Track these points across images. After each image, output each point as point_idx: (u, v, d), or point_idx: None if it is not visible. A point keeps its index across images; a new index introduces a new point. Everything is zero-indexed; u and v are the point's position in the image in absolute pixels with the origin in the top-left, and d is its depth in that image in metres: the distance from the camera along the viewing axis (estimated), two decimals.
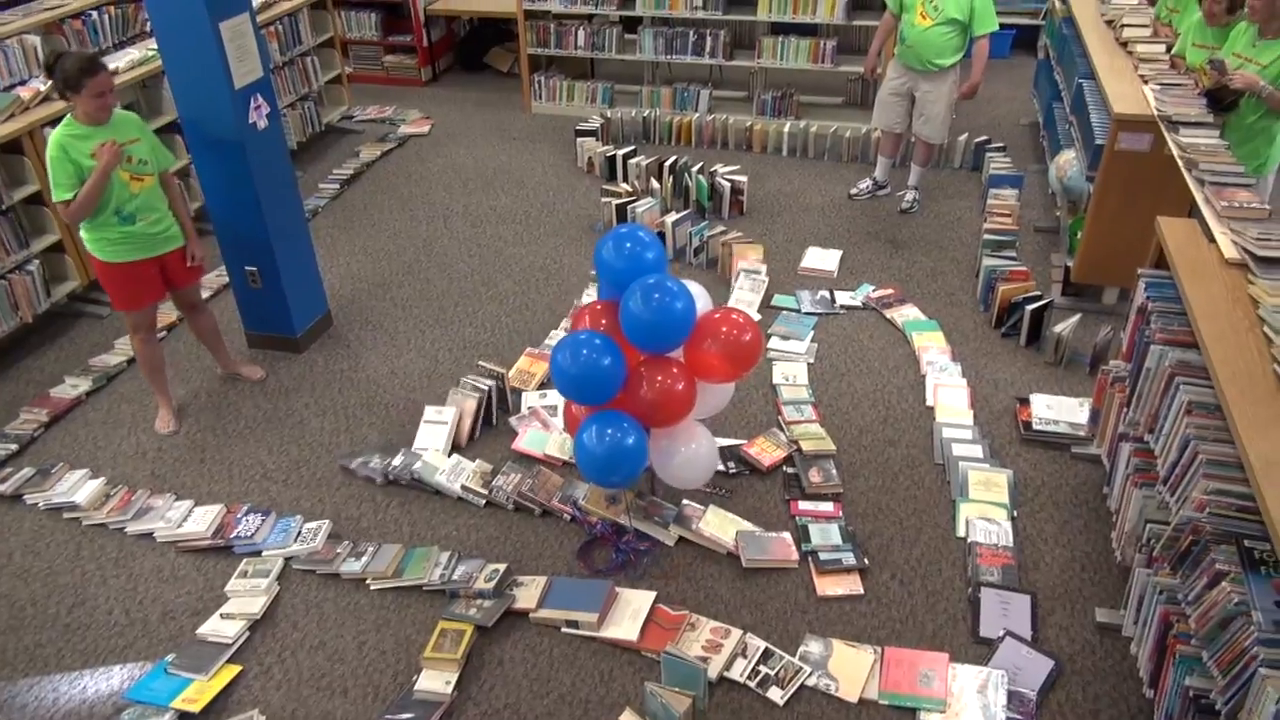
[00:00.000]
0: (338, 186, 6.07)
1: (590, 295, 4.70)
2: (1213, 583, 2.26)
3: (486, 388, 3.95)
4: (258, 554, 3.39)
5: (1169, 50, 4.67)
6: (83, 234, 3.63)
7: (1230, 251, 2.94)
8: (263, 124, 4.01)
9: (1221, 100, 3.94)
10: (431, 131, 6.92)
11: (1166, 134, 3.79)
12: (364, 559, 3.32)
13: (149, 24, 3.89)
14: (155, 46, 4.34)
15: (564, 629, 3.07)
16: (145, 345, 3.92)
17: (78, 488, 3.66)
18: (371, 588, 3.26)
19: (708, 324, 3.17)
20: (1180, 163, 3.54)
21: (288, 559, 3.37)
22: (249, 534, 3.44)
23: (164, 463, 3.86)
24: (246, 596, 3.22)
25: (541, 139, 6.75)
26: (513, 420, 3.98)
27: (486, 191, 6.03)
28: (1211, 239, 3.05)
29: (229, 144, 3.94)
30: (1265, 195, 4.11)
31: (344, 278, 5.11)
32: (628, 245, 3.17)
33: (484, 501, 3.58)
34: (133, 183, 3.57)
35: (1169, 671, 2.44)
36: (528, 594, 3.16)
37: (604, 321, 3.21)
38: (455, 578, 3.23)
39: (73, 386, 4.26)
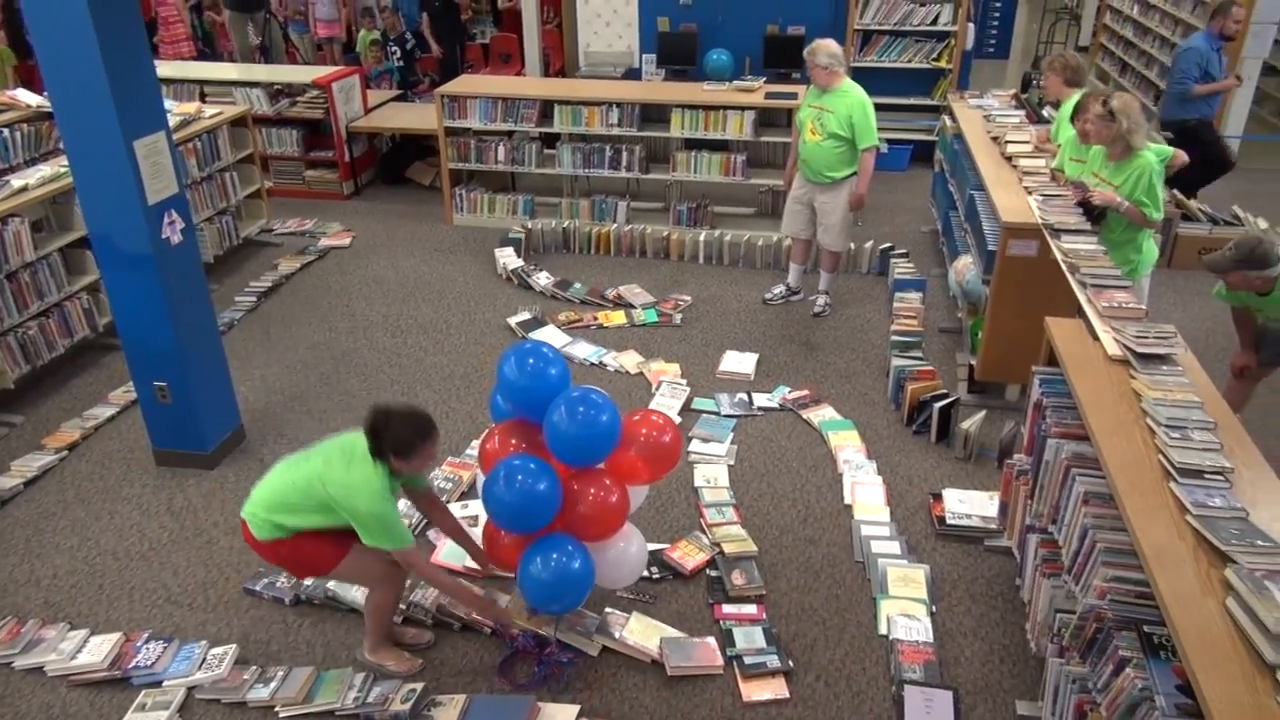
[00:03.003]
0: (254, 299, 6.02)
1: None
2: (1118, 670, 2.32)
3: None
4: (158, 684, 3.20)
5: (1053, 157, 5.04)
6: (266, 524, 3.02)
7: (1113, 349, 3.12)
8: (176, 239, 3.99)
9: (1090, 213, 4.25)
10: (353, 244, 6.96)
11: (1050, 241, 4.05)
12: (273, 684, 3.16)
13: (61, 141, 3.89)
14: (66, 163, 4.32)
15: None
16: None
17: None
18: (280, 715, 3.10)
19: (628, 429, 3.21)
20: (1064, 267, 3.78)
21: (190, 688, 3.19)
22: (149, 663, 3.25)
23: (58, 589, 3.66)
24: None
25: (463, 250, 6.85)
26: (430, 534, 3.91)
27: (407, 302, 6.06)
28: (1096, 337, 3.24)
29: (140, 259, 3.90)
30: (1143, 297, 4.40)
31: (258, 391, 5.02)
32: (530, 362, 3.20)
33: (401, 618, 3.47)
34: None
35: None
36: (446, 714, 3.05)
37: (514, 442, 3.21)
38: (370, 700, 3.10)
39: None
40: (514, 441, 3.21)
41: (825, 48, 5.24)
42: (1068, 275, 3.70)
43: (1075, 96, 5.33)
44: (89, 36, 3.47)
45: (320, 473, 2.96)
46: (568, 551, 3.09)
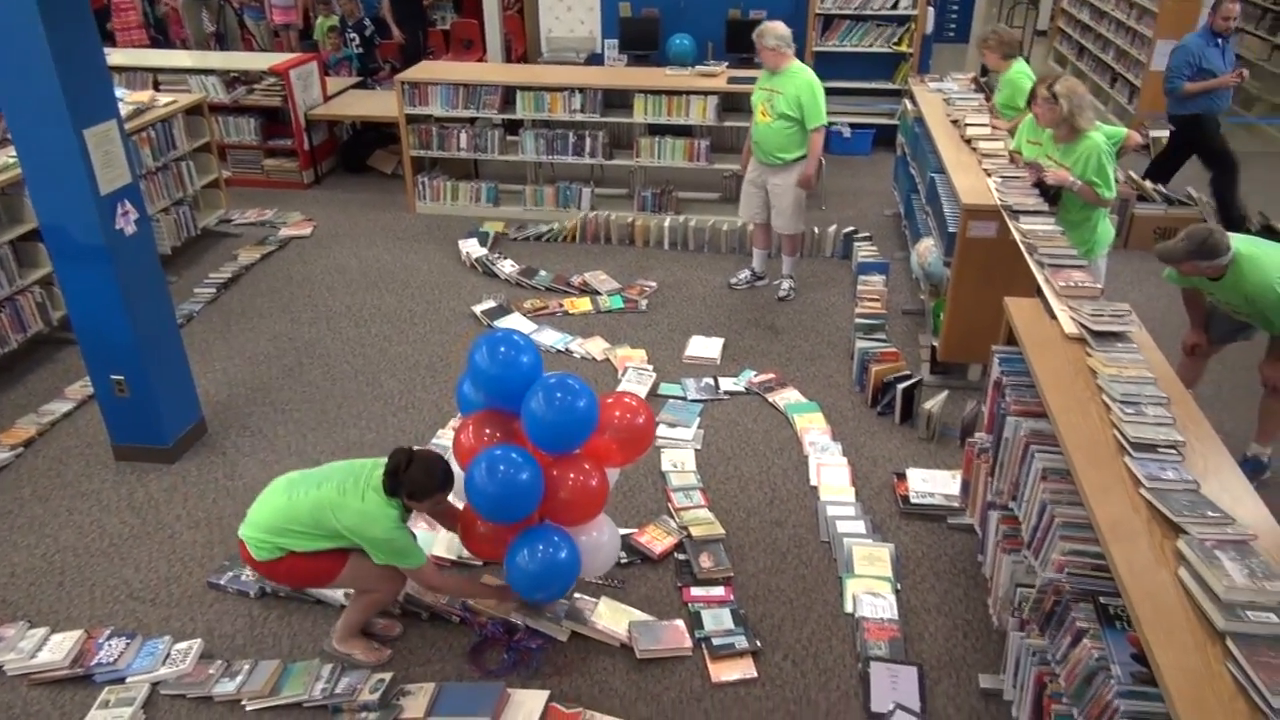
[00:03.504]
0: (214, 290, 5.93)
1: None
2: (1075, 641, 2.37)
3: None
4: (121, 681, 3.16)
5: (1011, 133, 5.12)
6: (265, 545, 3.05)
7: (1070, 327, 3.17)
8: (131, 230, 3.92)
9: (1046, 194, 4.32)
10: (314, 233, 6.87)
11: (1009, 222, 4.11)
12: (239, 678, 3.13)
13: (8, 131, 3.80)
14: (15, 154, 4.22)
15: None
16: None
17: None
18: (247, 708, 3.07)
19: (602, 412, 3.21)
20: (1022, 247, 3.83)
21: (155, 684, 3.15)
22: (111, 660, 3.21)
23: (16, 588, 3.59)
24: None
25: (426, 238, 6.79)
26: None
27: (371, 291, 6.00)
28: (1053, 316, 3.29)
29: (94, 250, 3.82)
30: (1100, 276, 4.47)
31: (220, 383, 4.95)
32: (502, 350, 3.18)
33: None
34: None
35: None
36: (415, 703, 3.04)
37: (488, 432, 3.20)
38: (338, 691, 3.08)
39: None
40: (488, 431, 3.20)
41: (773, 30, 5.27)
42: (1026, 256, 3.76)
43: (1014, 67, 5.62)
44: (35, 22, 3.39)
45: (332, 502, 2.99)
46: (554, 542, 3.10)
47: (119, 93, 6.03)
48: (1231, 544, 2.16)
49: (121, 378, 4.10)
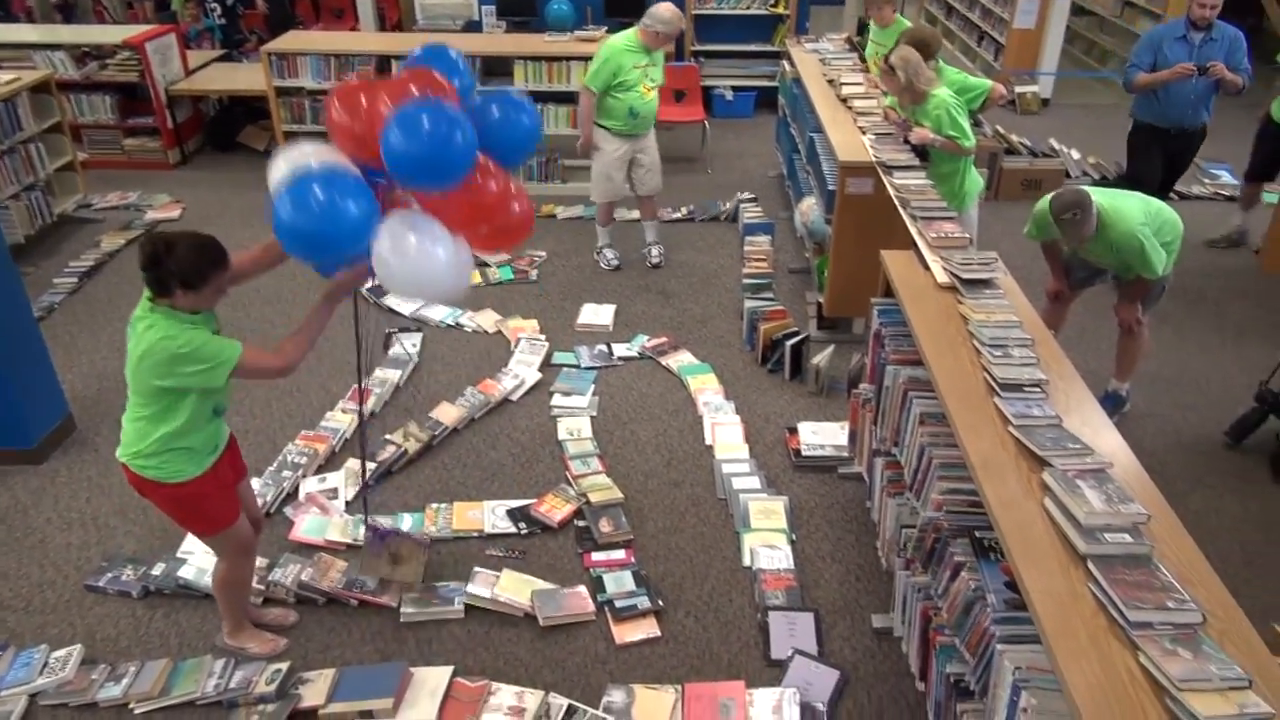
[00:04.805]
0: (76, 280, 5.60)
1: (369, 381, 4.55)
2: (954, 574, 2.49)
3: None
4: None
5: (883, 93, 5.26)
6: (154, 458, 2.76)
7: (941, 276, 3.30)
8: None
9: (918, 150, 4.47)
10: (183, 216, 6.54)
11: (884, 177, 4.22)
12: (124, 681, 3.00)
13: None
14: None
15: None
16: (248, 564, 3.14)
17: None
18: (136, 712, 2.95)
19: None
20: (896, 202, 3.95)
21: (32, 696, 2.99)
22: None
23: None
24: None
25: None
26: (288, 510, 3.78)
27: None
28: (926, 267, 3.41)
29: None
30: (973, 227, 4.65)
31: (88, 377, 4.69)
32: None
33: (261, 599, 3.35)
34: None
35: (932, 663, 2.65)
36: (315, 690, 2.98)
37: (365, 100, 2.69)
38: (232, 686, 2.99)
39: None
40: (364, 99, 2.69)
41: (680, 15, 5.24)
42: (900, 210, 3.88)
43: (899, 22, 5.82)
44: None
45: (129, 366, 2.67)
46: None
47: None
48: (1090, 473, 2.30)
49: None
